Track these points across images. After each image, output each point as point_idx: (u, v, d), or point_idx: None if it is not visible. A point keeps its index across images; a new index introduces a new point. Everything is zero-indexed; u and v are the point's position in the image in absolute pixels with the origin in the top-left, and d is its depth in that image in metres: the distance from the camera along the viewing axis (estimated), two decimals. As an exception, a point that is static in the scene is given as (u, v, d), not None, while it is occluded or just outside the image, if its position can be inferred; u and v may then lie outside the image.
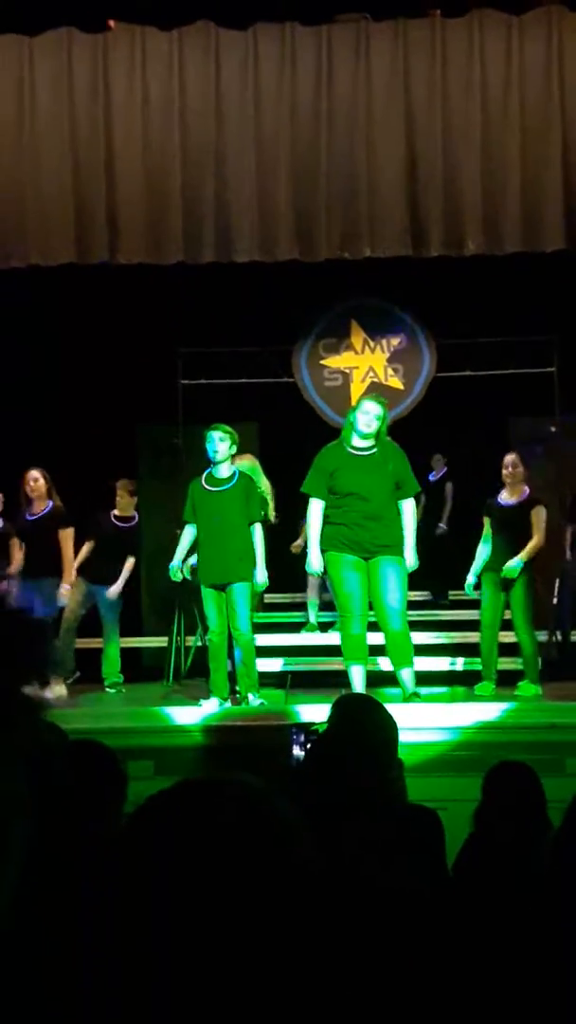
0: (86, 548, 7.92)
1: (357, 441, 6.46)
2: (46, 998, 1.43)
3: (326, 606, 9.14)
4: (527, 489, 7.53)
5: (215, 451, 6.79)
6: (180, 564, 6.95)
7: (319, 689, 7.47)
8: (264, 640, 8.39)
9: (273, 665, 7.98)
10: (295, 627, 9.08)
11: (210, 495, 6.84)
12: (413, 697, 6.36)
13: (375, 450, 6.45)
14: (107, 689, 7.94)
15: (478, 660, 7.51)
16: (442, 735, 5.92)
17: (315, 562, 6.46)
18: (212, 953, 0.84)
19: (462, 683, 7.62)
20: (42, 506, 7.50)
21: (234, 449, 6.89)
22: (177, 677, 8.13)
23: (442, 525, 10.22)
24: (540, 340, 8.98)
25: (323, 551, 6.45)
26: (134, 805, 0.94)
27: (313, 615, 9.03)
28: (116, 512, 8.14)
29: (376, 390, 9.32)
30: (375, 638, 6.64)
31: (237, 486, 6.87)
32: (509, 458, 7.56)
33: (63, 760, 2.45)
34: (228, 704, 6.70)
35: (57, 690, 7.57)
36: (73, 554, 7.53)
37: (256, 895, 0.86)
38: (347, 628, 6.40)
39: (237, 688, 6.86)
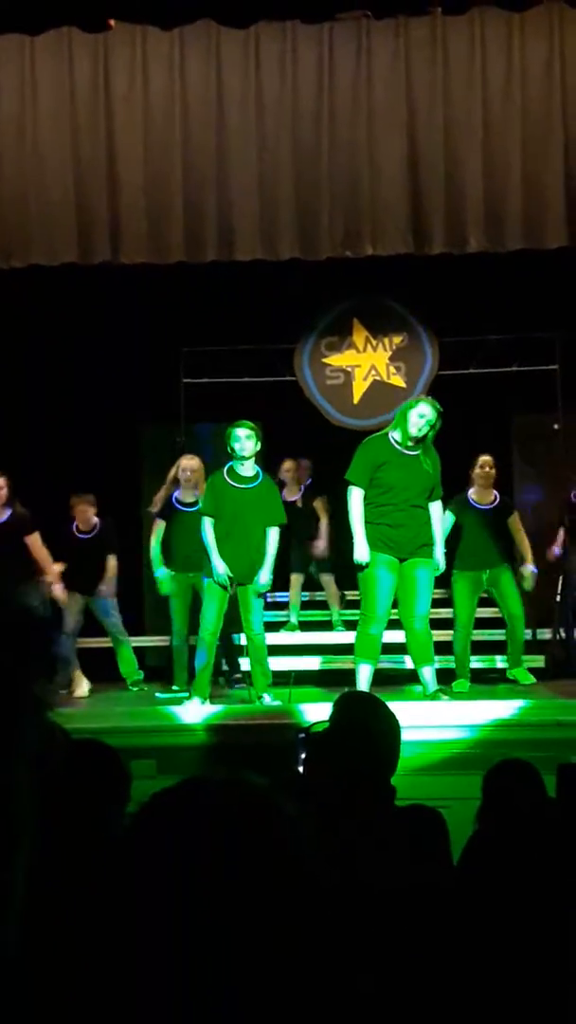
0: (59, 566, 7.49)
1: (406, 439, 6.40)
2: (50, 999, 1.43)
3: (307, 605, 9.21)
4: (496, 493, 7.59)
5: (242, 448, 6.59)
6: (227, 574, 6.61)
7: (323, 687, 7.48)
8: (270, 639, 8.40)
9: (278, 664, 7.98)
10: (303, 626, 9.10)
11: (234, 491, 6.67)
12: (439, 695, 6.39)
13: (419, 451, 6.45)
14: (130, 687, 7.96)
15: (450, 658, 7.51)
16: (445, 733, 5.92)
17: (362, 552, 6.30)
18: (216, 952, 0.84)
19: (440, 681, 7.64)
20: (2, 514, 7.20)
21: (259, 447, 6.71)
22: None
23: None
24: (543, 337, 8.97)
25: None
26: (137, 804, 0.94)
27: (294, 615, 9.05)
28: (78, 524, 7.88)
29: (378, 388, 9.32)
30: (393, 636, 6.65)
31: (262, 486, 6.74)
32: (486, 458, 7.63)
33: (63, 758, 2.45)
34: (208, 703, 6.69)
35: (82, 689, 7.60)
36: (46, 553, 7.25)
37: (260, 894, 0.86)
38: (366, 627, 6.40)
39: (253, 689, 6.87)
